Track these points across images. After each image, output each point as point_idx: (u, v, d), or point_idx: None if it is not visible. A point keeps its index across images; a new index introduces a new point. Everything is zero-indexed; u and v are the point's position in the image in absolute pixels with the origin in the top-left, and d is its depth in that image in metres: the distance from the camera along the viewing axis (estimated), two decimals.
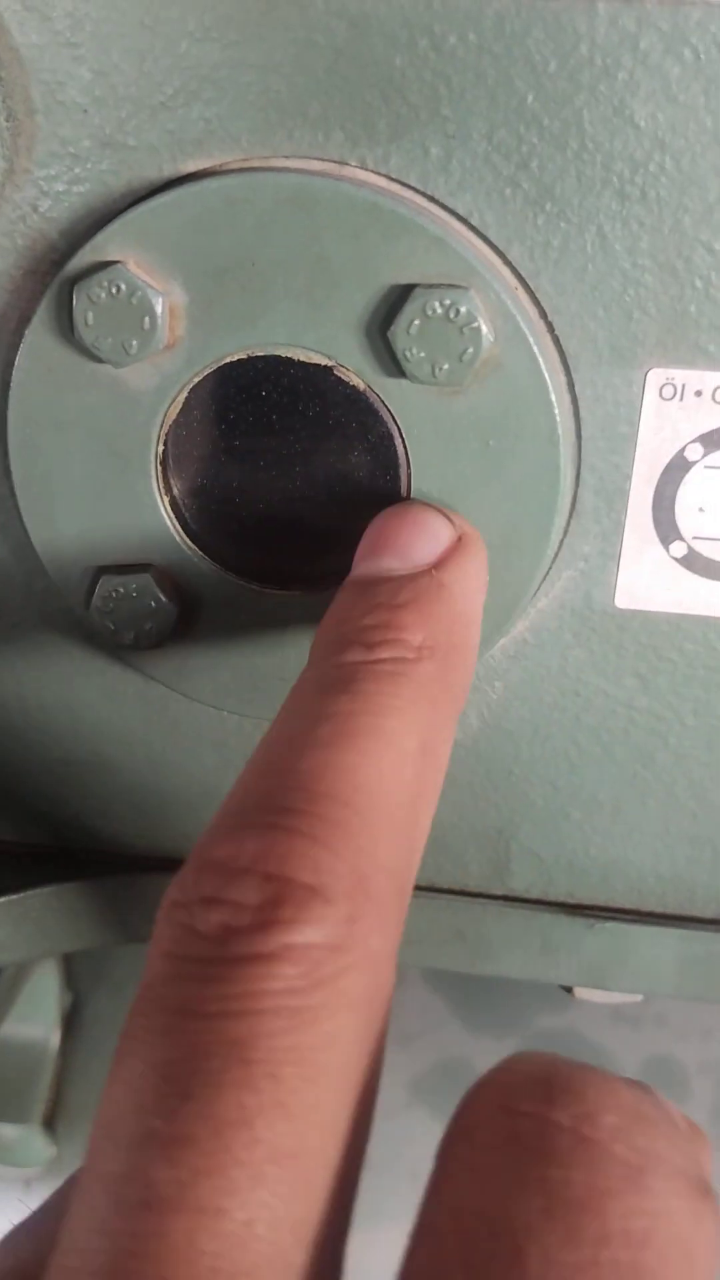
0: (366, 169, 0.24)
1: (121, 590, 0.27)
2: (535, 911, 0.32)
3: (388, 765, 0.20)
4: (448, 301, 0.24)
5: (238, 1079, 0.16)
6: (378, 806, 0.19)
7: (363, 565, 0.24)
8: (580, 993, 0.33)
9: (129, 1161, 0.16)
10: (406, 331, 0.24)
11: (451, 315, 0.24)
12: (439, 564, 0.24)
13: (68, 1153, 0.51)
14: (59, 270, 0.25)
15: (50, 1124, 0.51)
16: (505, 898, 0.32)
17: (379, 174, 0.24)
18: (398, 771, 0.20)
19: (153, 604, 0.27)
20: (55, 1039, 0.52)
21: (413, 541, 0.24)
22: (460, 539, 0.24)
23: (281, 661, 0.28)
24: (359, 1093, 0.17)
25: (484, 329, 0.24)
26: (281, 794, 0.19)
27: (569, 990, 0.33)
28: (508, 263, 0.25)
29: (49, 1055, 0.52)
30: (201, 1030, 0.16)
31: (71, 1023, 0.53)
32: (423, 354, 0.24)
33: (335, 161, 0.25)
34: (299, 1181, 0.16)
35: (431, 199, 0.25)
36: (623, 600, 0.28)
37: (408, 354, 0.24)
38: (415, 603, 0.22)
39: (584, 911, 0.32)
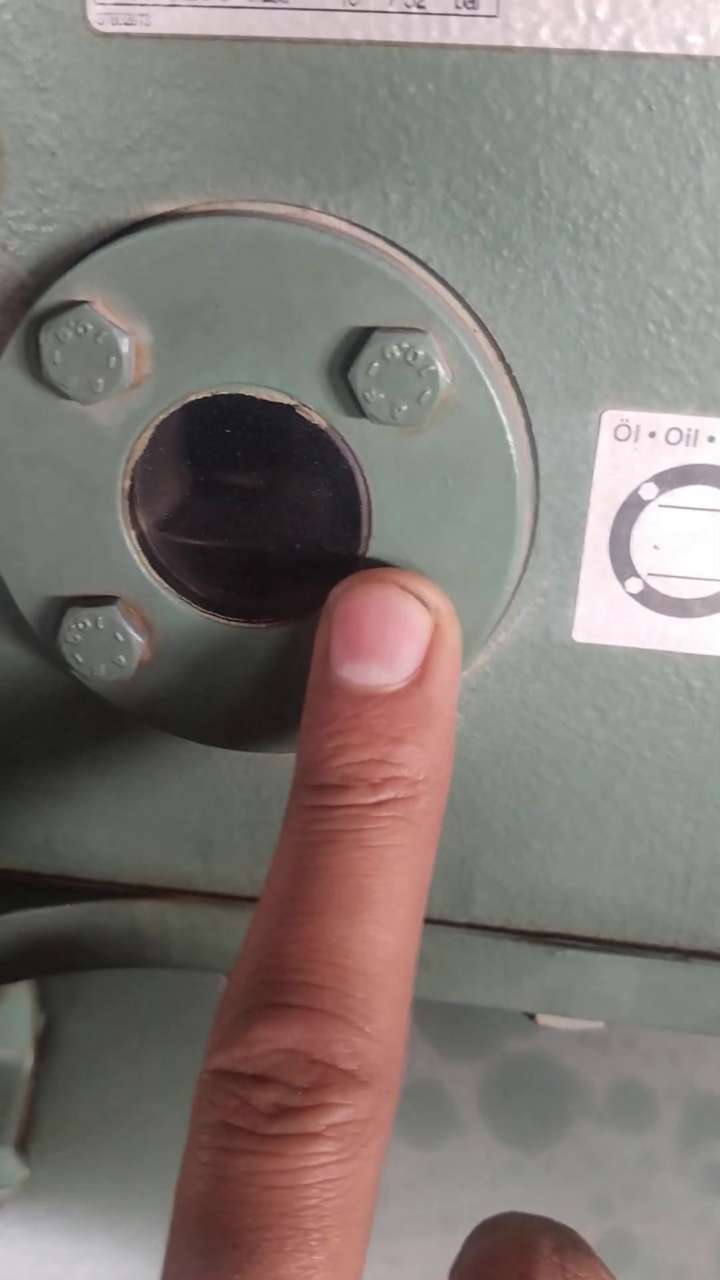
0: (328, 213, 0.25)
1: (89, 623, 0.27)
2: (498, 939, 0.32)
3: (400, 929, 0.23)
4: (406, 345, 0.24)
5: (297, 1245, 0.20)
6: (396, 975, 0.22)
7: (347, 667, 0.25)
8: (543, 1019, 0.33)
9: None
10: (366, 373, 0.24)
11: (410, 358, 0.24)
12: (424, 671, 0.25)
13: (40, 1174, 0.51)
14: (27, 308, 0.26)
15: (23, 1146, 0.51)
16: (469, 925, 0.32)
17: (340, 218, 0.25)
18: (405, 931, 0.23)
19: (119, 636, 0.28)
20: (28, 1061, 0.52)
21: (399, 645, 0.25)
22: (437, 628, 0.25)
23: (247, 692, 0.28)
24: (370, 1223, 0.21)
25: (441, 371, 0.24)
26: (313, 969, 0.21)
27: (532, 1017, 0.34)
28: (466, 306, 0.25)
29: (22, 1077, 0.52)
30: (260, 1202, 0.20)
31: (45, 1044, 0.53)
32: (382, 395, 0.24)
33: (298, 206, 0.25)
34: None
35: (392, 243, 0.25)
36: (580, 634, 0.28)
37: (368, 395, 0.24)
38: (411, 733, 0.24)
39: (545, 939, 0.32)
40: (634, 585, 0.27)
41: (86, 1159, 0.52)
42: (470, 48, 0.23)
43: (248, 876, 0.33)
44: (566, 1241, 0.22)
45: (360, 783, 0.23)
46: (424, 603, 0.25)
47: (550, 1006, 0.32)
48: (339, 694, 0.24)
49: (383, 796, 0.23)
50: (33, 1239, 0.49)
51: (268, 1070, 0.21)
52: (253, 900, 0.30)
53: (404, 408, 0.25)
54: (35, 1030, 0.53)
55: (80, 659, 0.28)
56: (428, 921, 0.32)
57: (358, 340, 0.24)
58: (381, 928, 0.22)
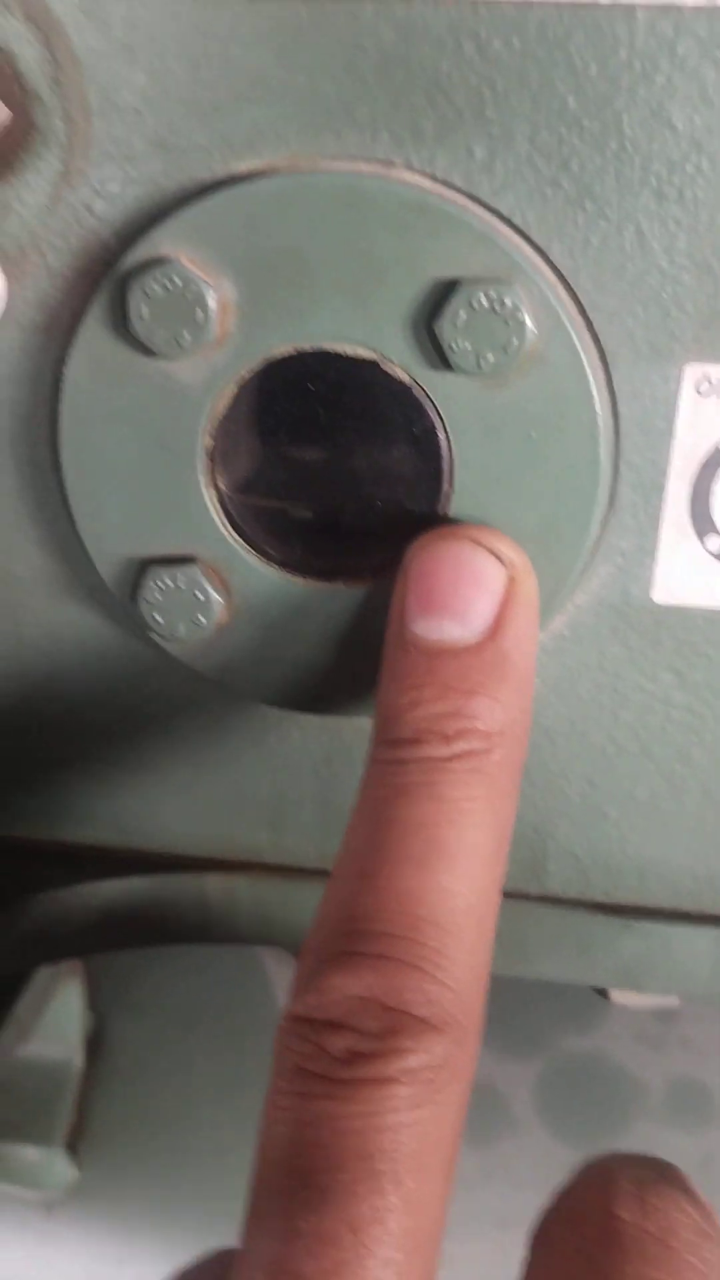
0: (412, 169, 0.25)
1: (169, 582, 0.28)
2: (572, 912, 0.32)
3: (475, 880, 0.22)
4: (493, 294, 0.24)
5: (370, 1188, 0.20)
6: (471, 925, 0.22)
7: (421, 623, 0.25)
8: (616, 996, 0.33)
9: (280, 1253, 0.20)
10: (453, 323, 0.24)
11: (497, 307, 0.24)
12: (499, 625, 0.25)
13: (90, 1176, 0.50)
14: (111, 270, 0.26)
15: (73, 1147, 0.51)
16: (541, 898, 0.32)
17: (424, 174, 0.25)
18: (483, 885, 0.23)
19: (199, 596, 0.28)
20: (78, 1061, 0.52)
21: (471, 599, 0.25)
22: (511, 581, 0.25)
23: (324, 653, 0.28)
24: (451, 1172, 0.21)
25: (528, 321, 0.24)
26: (387, 918, 0.22)
27: (604, 993, 0.33)
28: (548, 260, 0.26)
29: (72, 1077, 0.52)
30: (335, 1145, 0.20)
31: (95, 1045, 0.53)
32: (468, 345, 0.25)
33: (383, 162, 0.25)
34: (419, 1259, 0.20)
35: (475, 199, 0.25)
36: (660, 595, 0.28)
37: (453, 346, 0.25)
38: (484, 686, 0.24)
39: (621, 911, 0.32)
40: (715, 544, 0.27)
41: (136, 1161, 0.51)
42: (555, 3, 0.24)
43: (317, 850, 0.32)
44: (650, 1174, 0.21)
45: (433, 735, 0.24)
46: (499, 557, 0.25)
47: (625, 981, 0.32)
48: (413, 650, 0.25)
49: (456, 749, 0.23)
50: (84, 1241, 0.49)
51: (341, 1017, 0.21)
52: (323, 873, 0.30)
53: (490, 358, 0.25)
54: (86, 1030, 0.52)
55: (160, 619, 0.28)
56: (502, 894, 0.32)
57: (444, 291, 0.25)
58: (455, 877, 0.22)
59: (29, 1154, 0.50)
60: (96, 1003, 0.53)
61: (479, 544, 0.25)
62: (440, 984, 0.21)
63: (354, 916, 0.22)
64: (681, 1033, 0.49)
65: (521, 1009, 0.49)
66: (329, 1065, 0.21)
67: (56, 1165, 0.50)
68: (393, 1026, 0.21)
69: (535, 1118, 0.48)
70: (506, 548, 0.26)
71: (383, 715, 0.25)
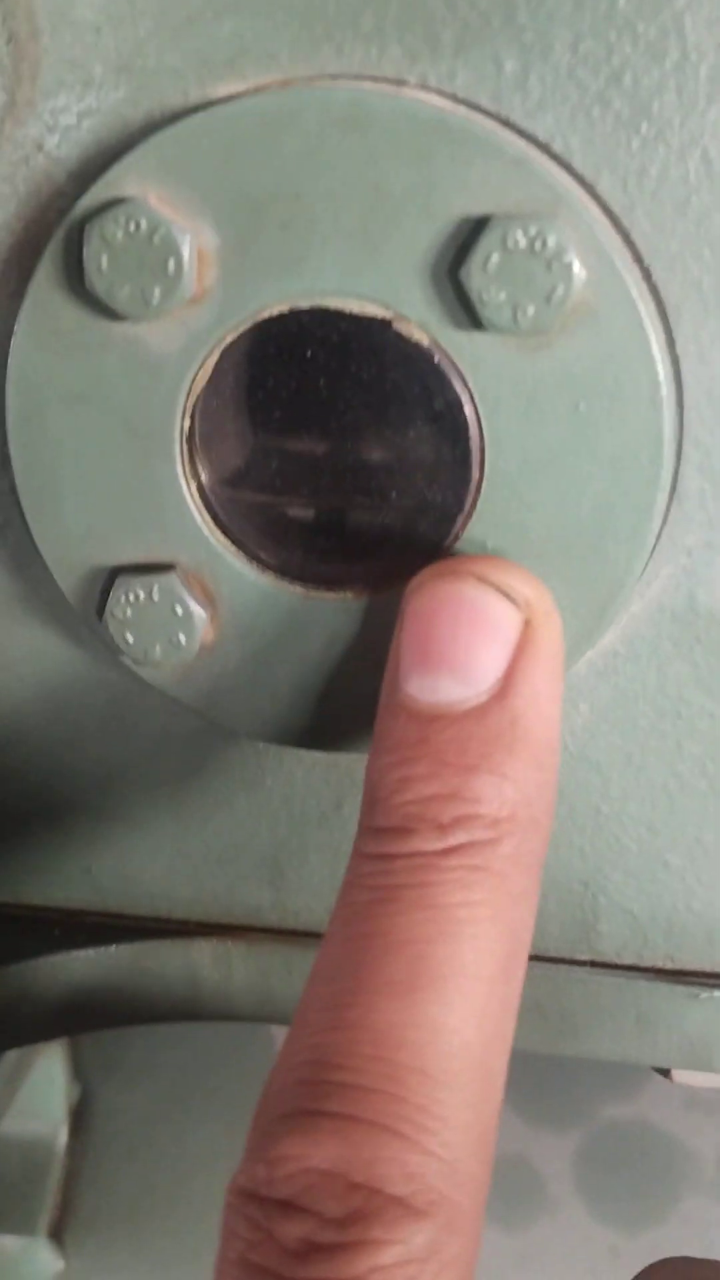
0: (428, 88, 0.21)
1: (141, 595, 0.23)
2: (628, 979, 0.27)
3: (475, 1011, 0.18)
4: (533, 231, 0.20)
5: None
6: (469, 1071, 0.18)
7: (413, 682, 0.20)
8: (679, 1075, 0.28)
9: None
10: (483, 269, 0.20)
11: (537, 247, 0.20)
12: (509, 682, 0.20)
13: (76, 1265, 0.46)
14: (64, 216, 0.22)
15: (57, 1235, 0.46)
16: (592, 963, 0.28)
17: (443, 94, 0.21)
18: (484, 1014, 0.18)
19: (178, 610, 0.23)
20: (62, 1136, 0.47)
21: (474, 651, 0.20)
22: (528, 625, 0.21)
23: (330, 678, 0.24)
24: None
25: (576, 264, 0.20)
26: (359, 1064, 0.18)
27: (666, 1073, 0.28)
28: (595, 197, 0.21)
29: (55, 1155, 0.47)
30: None
31: (80, 1118, 0.48)
32: (502, 295, 0.20)
33: (392, 81, 0.21)
34: None
35: (505, 122, 0.21)
36: None
37: (484, 296, 0.20)
38: (489, 759, 0.20)
39: (686, 979, 0.27)
40: None
41: (126, 1246, 0.47)
42: None
43: (325, 908, 0.28)
44: None
45: (425, 824, 0.19)
46: (511, 597, 0.21)
47: (692, 1060, 0.28)
48: (405, 715, 0.20)
49: (452, 841, 0.19)
50: None
51: (297, 1195, 0.17)
52: None
53: (530, 311, 0.20)
54: (70, 1102, 0.48)
55: (131, 639, 0.23)
56: (543, 960, 0.27)
57: (472, 231, 0.20)
58: (449, 1009, 0.18)
59: (9, 1244, 0.45)
60: (82, 1071, 0.49)
61: (485, 581, 0.21)
62: (425, 1152, 0.17)
63: (319, 1062, 0.18)
64: None
65: (557, 1073, 0.44)
66: (279, 1260, 0.17)
67: (40, 1256, 0.46)
68: (361, 1210, 0.17)
69: (574, 1196, 0.43)
70: (522, 584, 0.21)
71: (369, 795, 0.20)
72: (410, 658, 0.21)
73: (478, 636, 0.20)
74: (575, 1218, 0.42)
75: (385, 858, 0.19)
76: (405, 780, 0.20)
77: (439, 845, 0.19)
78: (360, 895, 0.19)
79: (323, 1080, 0.18)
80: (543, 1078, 0.44)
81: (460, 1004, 0.18)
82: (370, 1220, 0.16)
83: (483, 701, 0.20)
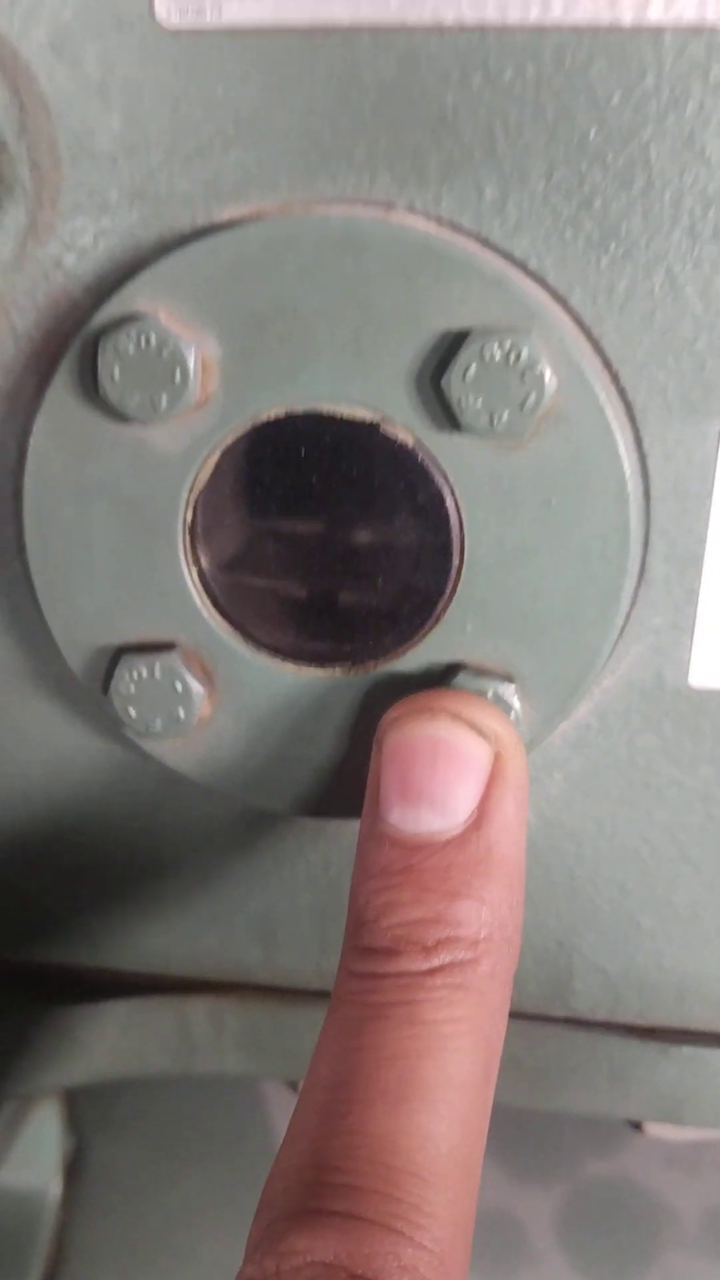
0: (416, 212, 0.23)
1: (144, 672, 0.25)
2: (601, 1035, 0.28)
3: (459, 1119, 0.20)
4: (508, 345, 0.22)
5: None
6: (454, 1173, 0.19)
7: (396, 813, 0.22)
8: (651, 1129, 0.29)
9: None
10: (462, 378, 0.22)
11: (511, 360, 0.22)
12: (482, 812, 0.22)
13: None
14: (81, 329, 0.23)
15: None
16: (567, 1020, 0.29)
17: (429, 217, 0.23)
18: (466, 1119, 0.20)
19: (178, 687, 0.25)
20: (56, 1189, 0.48)
21: (451, 786, 0.22)
22: (498, 759, 0.23)
23: (321, 748, 0.25)
24: None
25: (547, 374, 0.22)
26: (356, 1168, 0.19)
27: (638, 1126, 0.30)
28: (569, 309, 0.23)
29: (49, 1207, 0.47)
30: None
31: (74, 1170, 0.49)
32: (480, 402, 0.22)
33: (382, 204, 0.23)
34: None
35: (485, 243, 0.23)
36: (698, 678, 0.25)
37: (463, 403, 0.22)
38: (469, 885, 0.21)
39: (657, 1035, 0.28)
40: None
41: None
42: (574, 28, 0.21)
43: (315, 967, 0.29)
44: None
45: (411, 946, 0.21)
46: (481, 732, 0.23)
47: (663, 1114, 0.29)
48: (388, 843, 0.22)
49: (437, 962, 0.21)
50: None
51: None
52: (322, 995, 0.27)
53: (505, 416, 0.22)
54: (64, 1154, 0.48)
55: (134, 713, 0.25)
56: (519, 1016, 0.29)
57: (453, 344, 0.22)
58: (436, 1117, 0.20)
59: None
60: (76, 1122, 0.49)
61: (459, 719, 0.23)
62: (418, 1246, 0.18)
63: (320, 1165, 0.19)
64: (717, 1154, 0.45)
65: (541, 1129, 0.45)
66: None
67: None
68: None
69: (556, 1249, 0.43)
70: (490, 720, 0.23)
71: (355, 916, 0.22)
72: (392, 791, 0.22)
73: (454, 771, 0.22)
74: (557, 1271, 0.43)
75: (374, 976, 0.21)
76: (391, 905, 0.21)
77: (424, 966, 0.21)
78: (351, 1011, 0.21)
79: (325, 1182, 0.19)
80: (527, 1133, 0.45)
81: (446, 1112, 0.20)
82: None
83: (461, 832, 0.22)
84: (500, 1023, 0.22)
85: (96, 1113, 0.49)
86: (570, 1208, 0.44)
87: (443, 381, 0.22)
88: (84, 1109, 0.49)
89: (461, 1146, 0.20)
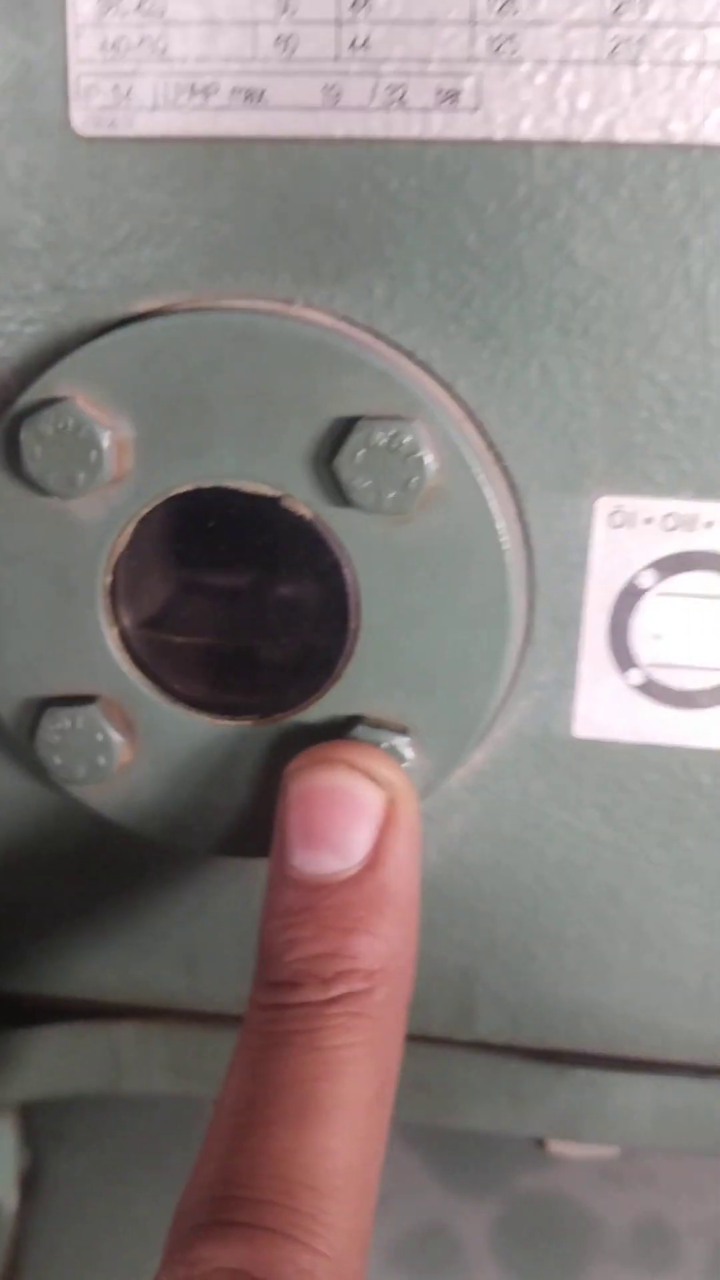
0: (313, 307, 0.25)
1: (68, 723, 0.27)
2: (503, 1059, 0.30)
3: (355, 1136, 0.21)
4: (392, 432, 0.24)
5: None
6: (350, 1186, 0.21)
7: (298, 856, 0.24)
8: (554, 1146, 0.31)
9: None
10: (352, 461, 0.24)
11: (395, 446, 0.24)
12: (377, 854, 0.24)
13: None
14: (6, 410, 0.25)
15: None
16: (471, 1044, 0.30)
17: (326, 312, 0.25)
18: (361, 1137, 0.22)
19: (99, 737, 0.27)
20: (12, 1202, 0.49)
21: (347, 830, 0.24)
22: (391, 804, 0.24)
23: (234, 794, 0.27)
24: None
25: (427, 459, 0.24)
26: (260, 1183, 0.20)
27: (542, 1143, 0.31)
28: (454, 396, 0.25)
29: (4, 1221, 0.49)
30: None
31: (31, 1184, 0.50)
32: (368, 483, 0.24)
33: (283, 301, 0.25)
34: None
35: (378, 335, 0.25)
36: (581, 729, 0.27)
37: (353, 483, 0.24)
38: (364, 921, 0.23)
39: (554, 1058, 0.30)
40: (636, 677, 0.26)
41: None
42: (452, 142, 0.24)
43: (235, 994, 0.31)
44: None
45: (312, 979, 0.23)
46: (376, 780, 0.25)
47: (561, 1131, 0.30)
48: (292, 884, 0.24)
49: (335, 992, 0.22)
50: None
51: None
52: (242, 1021, 0.28)
53: (391, 495, 0.24)
54: (20, 1169, 0.50)
55: (59, 761, 0.27)
56: (427, 1040, 0.31)
57: (343, 429, 0.24)
58: (333, 1135, 0.21)
59: None
60: (32, 1138, 0.51)
61: (354, 768, 0.25)
62: (315, 1253, 0.20)
63: (227, 1181, 0.21)
64: (645, 1168, 0.46)
65: (476, 1144, 0.47)
66: None
67: None
68: None
69: (490, 1261, 0.45)
70: (384, 769, 0.25)
71: (263, 953, 0.24)
72: (295, 836, 0.24)
73: (350, 817, 0.24)
74: None
75: (278, 1007, 0.23)
76: (294, 941, 0.23)
77: (323, 996, 0.22)
78: (257, 1039, 0.23)
79: (230, 1196, 0.20)
80: (462, 1149, 0.47)
81: (342, 1130, 0.21)
82: None
83: (357, 872, 0.24)
84: (395, 1047, 0.23)
85: (53, 1128, 0.51)
86: (503, 1221, 0.46)
87: (334, 463, 0.24)
88: (40, 1124, 0.50)
89: (357, 1162, 0.21)
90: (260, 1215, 0.20)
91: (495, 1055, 0.30)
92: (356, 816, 0.24)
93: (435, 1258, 0.45)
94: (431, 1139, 0.47)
